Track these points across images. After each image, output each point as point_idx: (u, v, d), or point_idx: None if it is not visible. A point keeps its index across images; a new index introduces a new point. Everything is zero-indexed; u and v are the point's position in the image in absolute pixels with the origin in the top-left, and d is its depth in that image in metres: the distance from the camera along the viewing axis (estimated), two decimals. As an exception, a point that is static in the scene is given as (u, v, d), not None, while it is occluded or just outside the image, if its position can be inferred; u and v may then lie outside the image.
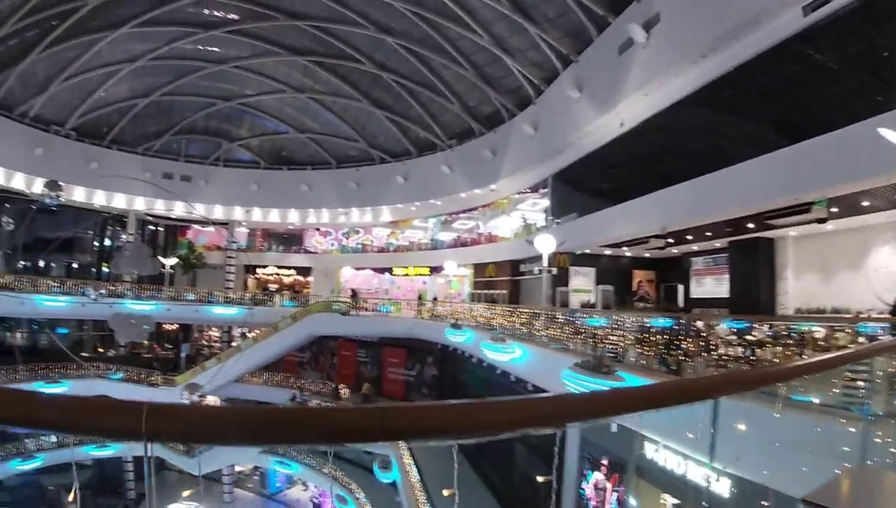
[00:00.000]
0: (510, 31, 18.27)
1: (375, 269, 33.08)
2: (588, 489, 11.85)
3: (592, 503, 11.71)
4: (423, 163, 26.67)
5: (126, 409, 0.87)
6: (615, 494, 11.14)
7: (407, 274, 31.28)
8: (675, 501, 8.96)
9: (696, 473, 7.59)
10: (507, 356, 13.56)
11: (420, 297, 27.40)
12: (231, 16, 22.97)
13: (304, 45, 24.39)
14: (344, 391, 25.93)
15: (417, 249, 30.85)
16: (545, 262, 14.73)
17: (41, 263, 30.28)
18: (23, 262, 27.91)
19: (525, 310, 15.74)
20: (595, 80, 15.61)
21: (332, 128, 29.05)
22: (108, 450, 25.30)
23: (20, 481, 25.62)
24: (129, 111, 26.98)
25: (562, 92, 17.15)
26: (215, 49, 24.90)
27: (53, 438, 24.32)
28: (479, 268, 27.11)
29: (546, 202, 21.91)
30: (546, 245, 14.30)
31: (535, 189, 23.13)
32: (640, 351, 10.35)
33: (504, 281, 24.70)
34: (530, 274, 22.55)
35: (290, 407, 1.41)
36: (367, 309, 26.47)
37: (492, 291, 25.43)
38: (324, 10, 21.59)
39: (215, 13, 22.70)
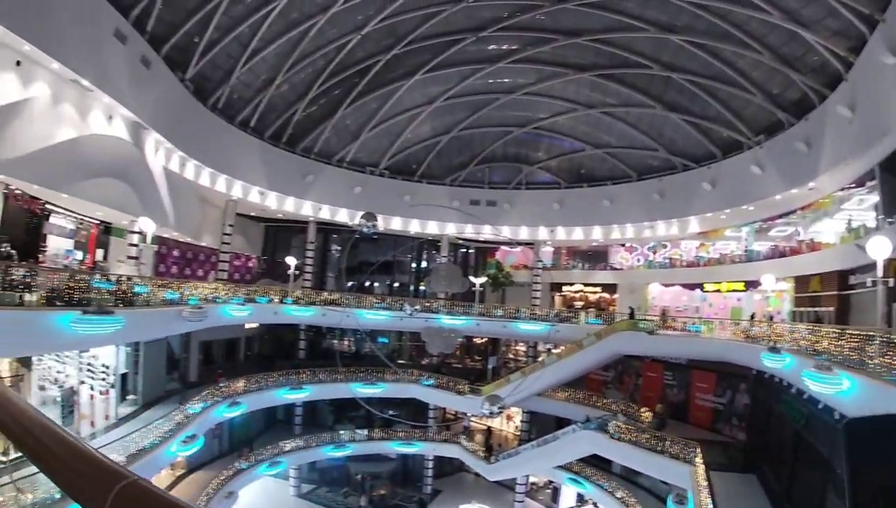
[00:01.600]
0: (801, 1, 20.45)
1: (684, 285, 37.09)
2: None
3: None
4: (730, 165, 29.50)
5: (95, 479, 0.95)
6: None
7: (719, 291, 34.31)
8: None
9: None
10: (832, 388, 13.49)
11: (733, 316, 30.36)
12: (511, 46, 31.04)
13: (588, 61, 31.03)
14: (646, 413, 30.12)
15: (729, 262, 33.43)
16: (879, 272, 14.04)
17: (366, 283, 43.38)
18: (350, 282, 40.48)
19: (854, 332, 15.01)
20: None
21: (628, 139, 34.89)
22: (414, 447, 37.06)
23: (331, 465, 39.08)
24: (433, 147, 38.27)
25: (875, 60, 17.78)
26: (504, 80, 33.84)
27: (365, 431, 36.20)
28: (800, 282, 27.75)
29: (875, 197, 21.75)
30: (880, 249, 13.67)
31: (860, 182, 23.00)
32: None
33: (830, 297, 24.75)
34: (862, 288, 21.83)
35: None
36: (674, 328, 30.20)
37: (816, 308, 25.73)
38: (600, 22, 27.82)
39: (495, 46, 31.21)
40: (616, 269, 41.89)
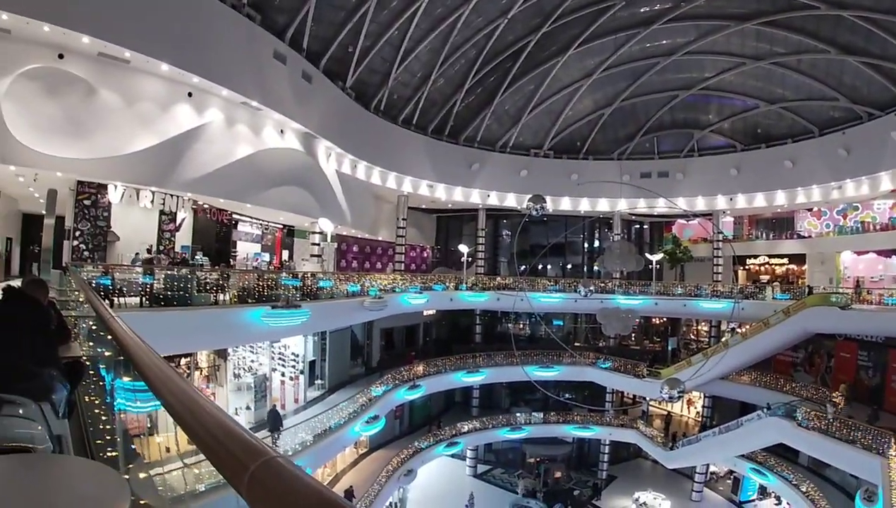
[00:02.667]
0: None
1: (879, 252, 33.30)
2: None
3: None
4: None
5: (237, 455, 1.01)
6: None
7: (918, 256, 30.13)
8: None
9: None
10: None
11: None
12: (663, 5, 29.57)
13: (749, 9, 28.75)
14: (839, 399, 27.38)
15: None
16: None
17: (538, 266, 43.41)
18: (522, 266, 40.68)
19: None
20: None
21: (804, 90, 31.62)
22: (590, 431, 36.66)
23: (507, 447, 39.76)
24: (596, 122, 37.29)
25: None
26: (662, 42, 32.27)
27: (540, 414, 36.36)
28: None
29: None
30: None
31: None
32: None
33: None
34: None
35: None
36: (869, 302, 27.45)
37: None
38: (757, -37, 25.40)
39: (647, 8, 29.85)
40: (803, 237, 38.11)
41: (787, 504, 30.91)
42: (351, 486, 25.27)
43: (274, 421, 20.35)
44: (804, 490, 27.52)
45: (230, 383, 21.29)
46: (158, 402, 1.44)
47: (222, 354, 21.11)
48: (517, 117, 36.02)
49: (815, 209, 37.29)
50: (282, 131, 22.36)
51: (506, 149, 37.30)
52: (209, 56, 17.47)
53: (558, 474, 37.80)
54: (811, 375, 32.90)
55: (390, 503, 30.52)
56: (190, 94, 17.70)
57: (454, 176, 35.23)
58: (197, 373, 20.29)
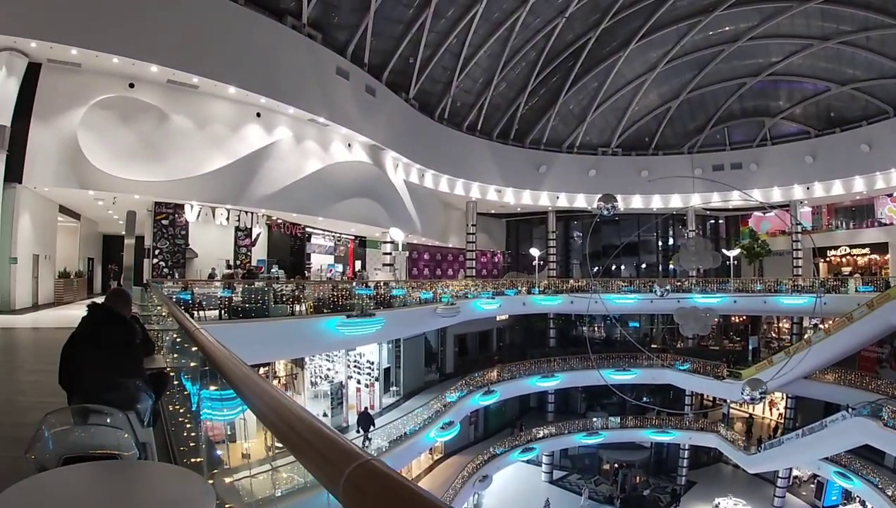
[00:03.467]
0: None
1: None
2: None
3: None
4: None
5: (332, 458, 1.04)
6: None
7: None
8: None
9: None
10: None
11: None
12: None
13: (812, -14, 27.37)
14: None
15: None
16: None
17: (612, 267, 42.66)
18: (595, 267, 40.05)
19: None
20: None
21: (876, 69, 30.07)
22: (668, 436, 35.48)
23: (583, 452, 38.88)
24: (664, 116, 36.55)
25: None
26: (725, 28, 31.33)
27: (617, 419, 35.74)
28: None
29: None
30: None
31: None
32: None
33: None
34: None
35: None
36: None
37: None
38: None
39: None
40: (884, 225, 35.78)
41: (873, 508, 29.26)
42: (427, 492, 25.41)
43: (366, 423, 21.08)
44: (890, 494, 25.87)
45: (307, 391, 21.95)
46: (241, 409, 1.55)
47: (299, 363, 21.80)
48: (582, 116, 35.70)
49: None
50: (349, 145, 22.97)
51: (572, 149, 37.02)
52: (274, 77, 18.20)
53: (636, 480, 37.00)
54: (896, 371, 31.07)
55: (465, 508, 30.67)
56: (258, 114, 18.49)
57: (521, 179, 35.18)
58: (275, 382, 20.98)
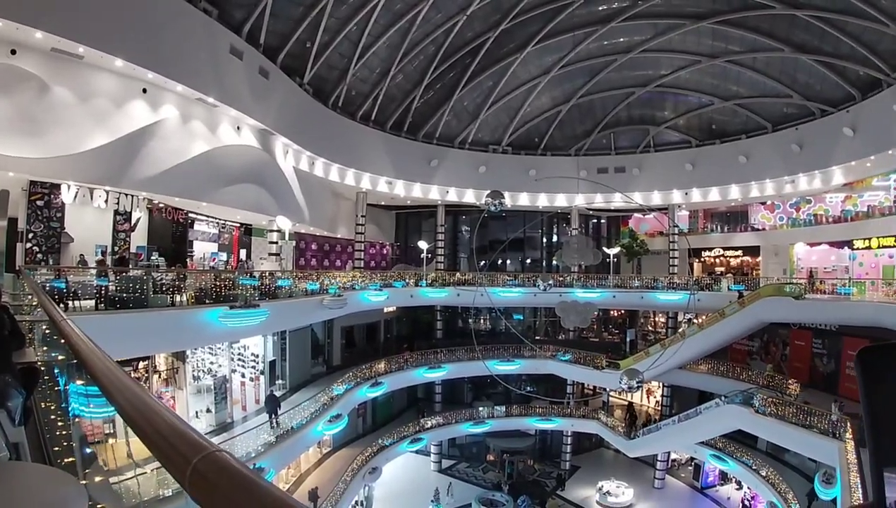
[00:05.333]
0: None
1: (831, 244, 34.39)
2: None
3: None
4: (871, 106, 26.91)
5: (180, 450, 1.04)
6: None
7: (869, 247, 31.46)
8: None
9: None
10: None
11: (885, 275, 28.01)
12: (621, 3, 30.00)
13: (705, 8, 29.29)
14: (794, 386, 28.31)
15: (879, 215, 30.72)
16: None
17: (498, 261, 43.77)
18: (482, 261, 40.88)
19: None
20: None
21: (758, 88, 32.40)
22: (552, 423, 37.21)
23: (470, 441, 40.33)
24: (554, 118, 37.71)
25: None
26: (620, 39, 32.69)
27: (503, 408, 36.97)
28: None
29: None
30: None
31: None
32: None
33: None
34: None
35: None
36: (822, 292, 28.42)
37: None
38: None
39: (605, 6, 30.35)
40: (757, 230, 39.31)
41: (748, 488, 31.84)
42: (315, 486, 25.01)
43: (273, 405, 21.12)
44: (764, 474, 28.24)
45: (190, 386, 20.84)
46: (113, 407, 1.47)
47: (181, 356, 20.69)
48: (476, 113, 36.10)
49: (769, 202, 38.45)
50: (238, 128, 21.96)
51: (465, 145, 37.37)
52: (164, 51, 17.03)
53: (522, 466, 38.31)
54: (768, 363, 33.91)
55: (356, 501, 30.41)
56: (145, 91, 17.24)
57: (413, 172, 35.14)
58: (156, 377, 19.85)
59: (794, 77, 30.47)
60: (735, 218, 41.03)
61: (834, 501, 19.69)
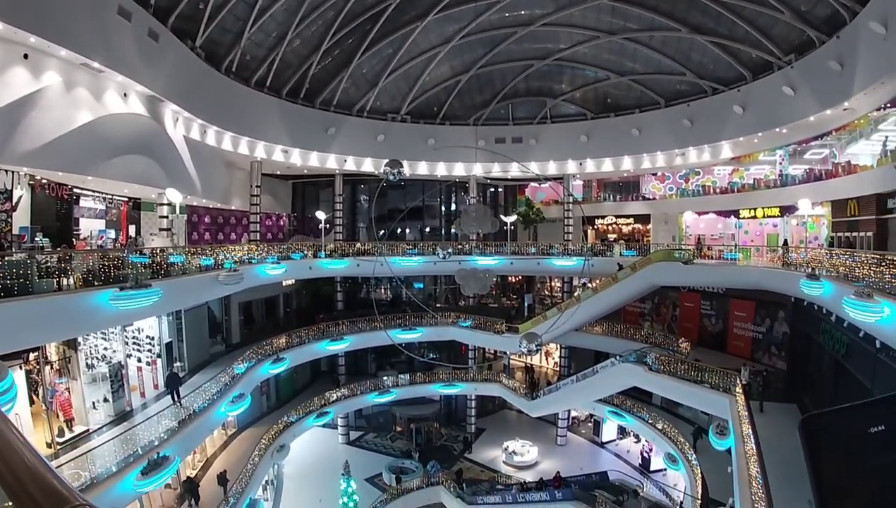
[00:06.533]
0: None
1: (719, 213, 36.74)
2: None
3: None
4: (761, 87, 28.52)
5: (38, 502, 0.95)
6: None
7: (754, 217, 33.95)
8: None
9: None
10: (873, 316, 13.35)
11: (769, 242, 30.31)
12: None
13: (607, -16, 29.54)
14: (685, 345, 30.35)
15: (764, 187, 32.83)
16: None
17: (397, 230, 43.87)
18: (381, 231, 40.81)
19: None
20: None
21: (654, 65, 33.64)
22: (455, 388, 38.34)
23: (377, 411, 41.08)
24: (453, 88, 37.56)
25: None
26: (521, 12, 32.70)
27: (407, 376, 37.72)
28: (837, 207, 27.24)
29: None
30: None
31: None
32: None
33: (868, 221, 24.26)
34: None
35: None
36: (710, 257, 30.05)
37: (854, 233, 25.41)
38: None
39: None
40: (648, 199, 41.48)
41: (646, 441, 34.18)
42: (224, 470, 24.25)
43: (175, 384, 20.68)
44: (660, 427, 30.39)
45: (84, 375, 19.44)
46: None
47: (72, 345, 19.25)
48: (375, 81, 35.31)
49: (660, 173, 40.66)
50: (125, 95, 20.34)
51: (363, 113, 36.57)
52: (49, 12, 15.35)
53: (429, 432, 39.25)
54: (659, 323, 36.13)
55: (266, 481, 29.92)
56: (26, 56, 15.58)
57: (310, 140, 34.04)
58: (48, 368, 18.39)
59: (689, 56, 31.77)
60: (627, 187, 43.05)
61: (728, 451, 20.60)
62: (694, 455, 26.85)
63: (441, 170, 39.19)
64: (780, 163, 32.65)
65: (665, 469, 32.63)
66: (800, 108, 25.77)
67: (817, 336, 22.54)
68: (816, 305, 20.34)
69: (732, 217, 35.50)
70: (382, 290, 43.71)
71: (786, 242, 28.13)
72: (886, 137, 23.63)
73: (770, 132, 28.55)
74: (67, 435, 17.38)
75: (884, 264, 15.01)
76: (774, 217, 32.73)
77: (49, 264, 15.13)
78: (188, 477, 23.65)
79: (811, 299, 19.52)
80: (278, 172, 37.79)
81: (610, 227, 43.52)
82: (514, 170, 38.43)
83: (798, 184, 29.77)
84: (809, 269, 19.48)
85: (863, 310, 13.43)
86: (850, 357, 18.38)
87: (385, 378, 38.07)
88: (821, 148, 29.74)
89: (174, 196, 21.76)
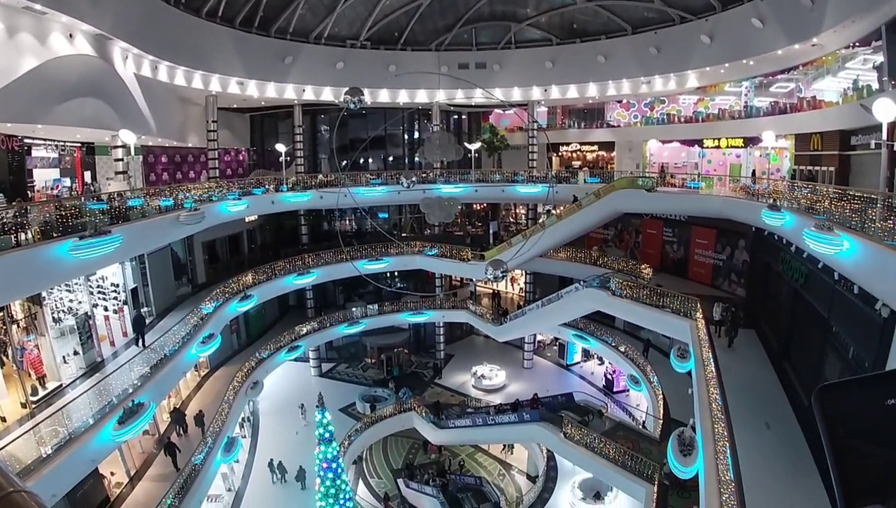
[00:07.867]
0: None
1: (683, 142, 37.10)
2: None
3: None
4: (730, 17, 28.31)
5: None
6: None
7: (718, 147, 34.40)
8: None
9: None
10: (832, 249, 13.73)
11: (732, 172, 30.74)
12: None
13: None
14: (647, 271, 31.07)
15: (729, 118, 33.06)
16: (884, 135, 13.74)
17: (360, 160, 43.50)
18: (343, 162, 40.30)
19: (856, 194, 14.88)
20: None
21: (622, -11, 32.73)
22: (424, 316, 39.18)
23: (347, 342, 41.91)
24: (414, 12, 36.35)
25: None
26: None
27: (375, 306, 38.27)
28: (801, 140, 27.56)
29: (879, 58, 21.17)
30: (887, 112, 13.30)
31: (865, 41, 22.21)
32: None
33: (831, 156, 24.55)
34: (864, 149, 21.76)
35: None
36: (673, 185, 30.64)
37: (816, 168, 25.76)
38: None
39: None
40: (613, 127, 41.56)
41: (609, 363, 35.71)
42: (200, 410, 24.80)
43: (140, 326, 21.41)
44: (623, 350, 31.75)
45: (52, 330, 19.40)
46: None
47: (37, 300, 19.10)
48: (332, 6, 33.94)
49: (625, 101, 40.61)
50: (71, 36, 19.48)
51: (321, 40, 35.44)
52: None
53: (399, 360, 40.39)
54: (622, 250, 37.06)
55: (242, 418, 30.61)
56: (-38, 6, 14.84)
57: (266, 71, 33.04)
58: (14, 327, 18.28)
59: (659, -19, 31.09)
60: (592, 114, 42.99)
61: (689, 373, 21.72)
62: (656, 378, 28.13)
63: (403, 97, 38.47)
64: (746, 95, 32.83)
65: (628, 390, 34.35)
66: (768, 41, 25.72)
67: (777, 265, 23.06)
68: (777, 235, 20.86)
69: (696, 146, 35.90)
70: (347, 222, 43.72)
71: (754, 172, 28.62)
72: (856, 76, 23.66)
73: (737, 63, 28.59)
74: (41, 393, 17.49)
75: (845, 199, 15.27)
76: (738, 148, 33.22)
77: (5, 220, 14.84)
78: (175, 408, 24.65)
79: (772, 229, 20.06)
80: (235, 106, 36.83)
81: (574, 154, 43.69)
82: (478, 97, 37.76)
83: (763, 116, 29.94)
84: (771, 200, 19.86)
85: (823, 243, 13.82)
86: (808, 286, 18.94)
87: (354, 309, 38.44)
88: (787, 81, 29.95)
89: (128, 137, 21.30)
